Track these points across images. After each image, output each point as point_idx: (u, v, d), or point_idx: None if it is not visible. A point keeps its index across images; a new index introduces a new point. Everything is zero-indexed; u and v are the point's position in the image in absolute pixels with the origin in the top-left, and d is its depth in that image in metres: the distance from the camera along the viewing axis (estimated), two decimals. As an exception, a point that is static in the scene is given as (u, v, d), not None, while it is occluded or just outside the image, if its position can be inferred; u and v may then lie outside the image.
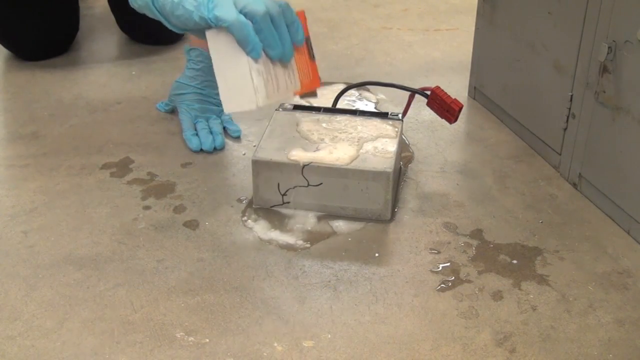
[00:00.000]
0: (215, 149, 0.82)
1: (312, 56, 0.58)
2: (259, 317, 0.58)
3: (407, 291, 0.61)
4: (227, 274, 0.63)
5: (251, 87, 0.57)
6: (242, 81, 0.57)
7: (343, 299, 0.60)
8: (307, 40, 0.58)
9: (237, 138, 0.85)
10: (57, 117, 0.90)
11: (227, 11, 0.57)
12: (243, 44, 0.58)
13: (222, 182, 0.77)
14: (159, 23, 1.07)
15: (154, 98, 0.94)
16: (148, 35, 1.08)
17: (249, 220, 0.70)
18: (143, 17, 1.11)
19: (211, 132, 0.83)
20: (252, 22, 0.57)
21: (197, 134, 0.83)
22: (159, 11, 0.61)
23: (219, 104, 0.87)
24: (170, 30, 1.12)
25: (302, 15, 0.59)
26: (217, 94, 0.87)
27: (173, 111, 0.90)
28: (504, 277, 0.63)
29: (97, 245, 0.67)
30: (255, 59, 0.57)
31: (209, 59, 0.86)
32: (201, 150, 0.82)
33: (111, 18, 1.15)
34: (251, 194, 0.73)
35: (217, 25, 0.57)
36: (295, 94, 0.60)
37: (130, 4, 0.63)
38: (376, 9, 1.28)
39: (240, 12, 0.57)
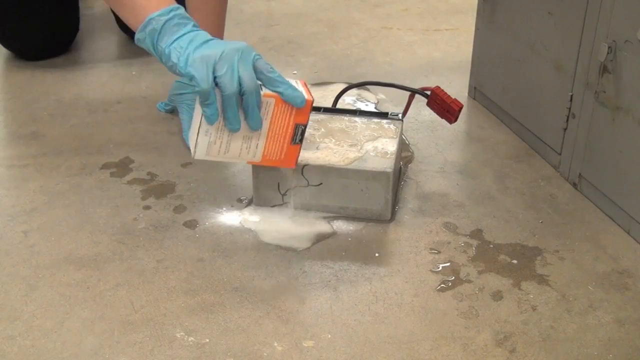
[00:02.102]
0: None
1: (296, 141, 0.60)
2: (259, 317, 0.58)
3: (407, 291, 0.61)
4: (227, 274, 0.63)
5: (194, 140, 0.60)
6: (193, 129, 0.60)
7: (343, 299, 0.60)
8: (297, 127, 0.59)
9: None
10: (57, 117, 0.90)
11: (201, 76, 0.57)
12: (203, 109, 0.59)
13: (222, 182, 0.77)
14: None
15: (154, 98, 0.94)
16: None
17: (249, 220, 0.70)
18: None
19: None
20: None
21: None
22: (160, 58, 0.62)
23: None
24: None
25: (309, 103, 0.59)
26: None
27: (173, 111, 0.90)
28: (504, 277, 0.63)
29: (97, 245, 0.66)
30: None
31: None
32: None
33: (111, 18, 1.15)
34: (251, 193, 0.73)
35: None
36: (248, 162, 0.62)
37: (136, 43, 0.63)
38: (376, 9, 1.28)
39: (214, 78, 0.57)
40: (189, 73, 0.58)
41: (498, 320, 0.58)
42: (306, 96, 0.60)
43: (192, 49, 0.59)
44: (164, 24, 0.60)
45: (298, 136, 0.59)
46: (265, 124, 0.59)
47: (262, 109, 0.59)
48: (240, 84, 0.57)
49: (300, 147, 0.61)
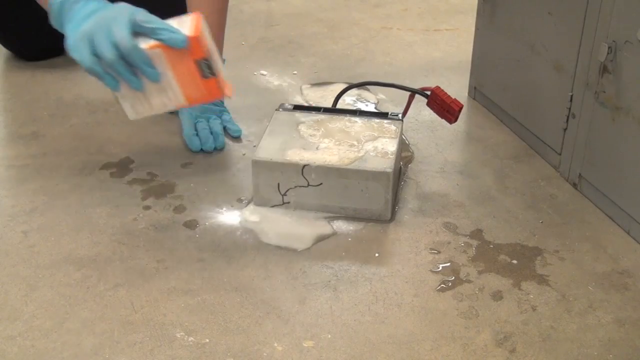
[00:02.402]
0: (215, 149, 0.82)
1: (206, 75, 0.60)
2: (259, 317, 0.58)
3: (407, 291, 0.61)
4: (227, 274, 0.63)
5: (122, 107, 0.63)
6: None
7: (343, 299, 0.60)
8: (199, 62, 0.60)
9: (238, 138, 0.85)
10: (57, 117, 0.90)
11: (82, 56, 0.59)
12: (102, 81, 0.60)
13: (222, 182, 0.77)
14: None
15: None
16: None
17: (249, 220, 0.70)
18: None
19: (212, 132, 0.83)
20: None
21: (197, 134, 0.83)
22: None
23: (219, 104, 0.87)
24: None
25: (194, 39, 0.59)
26: None
27: (173, 111, 0.90)
28: (504, 277, 0.63)
29: (97, 245, 0.66)
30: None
31: None
32: (201, 150, 0.82)
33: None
34: (251, 194, 0.73)
35: None
36: (179, 107, 0.63)
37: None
38: (376, 9, 1.28)
39: (95, 54, 0.59)
40: (74, 56, 0.59)
41: (498, 320, 0.58)
42: (188, 33, 0.59)
43: (73, 30, 0.60)
44: (61, 6, 0.62)
45: (205, 70, 0.60)
46: (169, 72, 0.60)
47: (157, 60, 0.60)
48: (118, 49, 0.58)
49: (217, 77, 0.61)
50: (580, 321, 0.58)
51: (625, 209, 0.69)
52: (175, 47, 0.59)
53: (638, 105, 0.65)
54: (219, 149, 0.82)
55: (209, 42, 0.62)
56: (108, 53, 0.58)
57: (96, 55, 0.59)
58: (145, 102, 0.61)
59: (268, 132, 0.74)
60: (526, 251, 0.67)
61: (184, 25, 0.61)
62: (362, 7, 1.30)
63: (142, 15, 0.60)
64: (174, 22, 0.61)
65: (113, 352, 0.55)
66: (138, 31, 0.60)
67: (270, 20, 1.22)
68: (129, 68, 0.59)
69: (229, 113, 0.87)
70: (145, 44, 0.59)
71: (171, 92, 0.61)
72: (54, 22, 0.64)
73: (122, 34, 0.58)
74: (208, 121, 0.84)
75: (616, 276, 0.64)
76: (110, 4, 0.62)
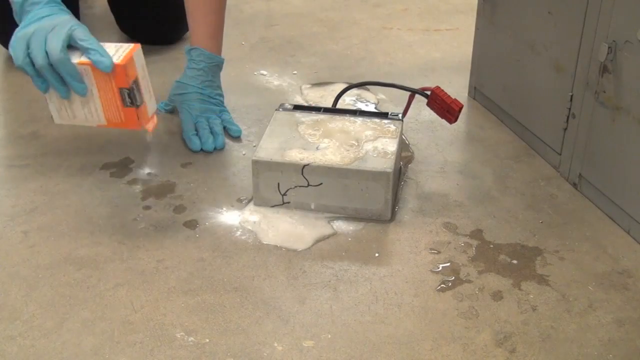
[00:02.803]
0: (215, 149, 0.82)
1: (127, 104, 0.64)
2: (259, 317, 0.58)
3: (407, 291, 0.61)
4: (227, 274, 0.63)
5: (50, 108, 0.67)
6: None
7: (343, 299, 0.60)
8: (122, 90, 0.63)
9: (238, 138, 0.85)
10: None
11: (16, 55, 0.63)
12: (33, 82, 0.65)
13: (222, 182, 0.77)
14: (158, 23, 1.06)
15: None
16: (148, 35, 1.08)
17: (249, 221, 0.70)
18: (142, 18, 1.11)
19: (212, 132, 0.83)
20: None
21: (197, 134, 0.83)
22: None
23: (219, 104, 0.87)
24: (170, 30, 1.11)
25: (120, 67, 0.63)
26: (218, 94, 0.87)
27: (173, 111, 0.90)
28: (504, 277, 0.63)
29: (97, 245, 0.66)
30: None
31: (210, 59, 0.86)
32: (201, 150, 0.82)
33: (111, 17, 1.14)
34: (251, 193, 0.73)
35: None
36: (100, 126, 0.66)
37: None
38: (376, 9, 1.28)
39: (27, 54, 0.63)
40: (11, 52, 0.64)
41: (498, 320, 0.58)
42: (115, 61, 0.62)
43: (19, 29, 0.65)
44: (21, 6, 0.66)
45: (127, 99, 0.63)
46: (95, 90, 0.64)
47: (85, 77, 0.63)
48: (48, 57, 0.62)
49: (137, 110, 0.64)
50: (580, 321, 0.58)
51: (625, 208, 0.69)
52: (100, 70, 0.63)
53: (638, 105, 0.65)
54: (218, 149, 0.82)
55: (140, 73, 0.65)
56: (39, 59, 0.62)
57: (29, 57, 0.63)
58: (70, 110, 0.65)
59: (268, 132, 0.74)
60: (526, 251, 0.67)
61: (119, 51, 0.64)
62: (362, 7, 1.30)
63: (81, 33, 0.64)
64: (112, 47, 0.64)
65: (113, 352, 0.55)
66: (74, 45, 0.64)
67: (270, 20, 1.22)
68: (57, 76, 0.63)
69: (229, 113, 0.87)
70: (77, 59, 0.63)
71: (94, 109, 0.64)
72: (16, 18, 0.68)
73: (55, 45, 0.62)
74: (208, 121, 0.84)
75: (616, 276, 0.63)
76: (60, 14, 0.66)
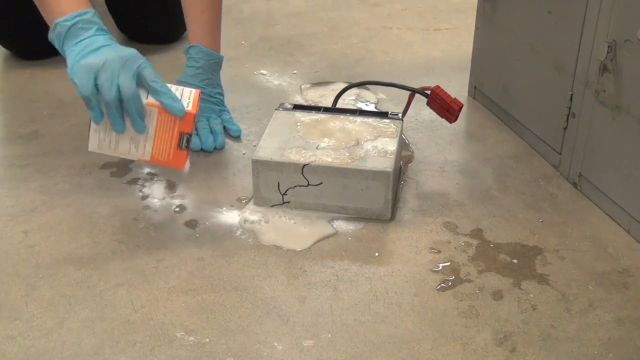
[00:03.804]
0: (215, 148, 0.82)
1: (182, 147, 0.65)
2: (259, 316, 0.58)
3: (407, 290, 0.61)
4: (227, 274, 0.63)
5: (89, 136, 0.66)
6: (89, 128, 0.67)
7: (343, 299, 0.60)
8: (182, 134, 0.64)
9: (237, 137, 0.85)
10: (57, 116, 0.89)
11: (82, 84, 0.61)
12: (88, 111, 0.63)
13: (222, 181, 0.77)
14: (156, 22, 1.05)
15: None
16: (147, 34, 1.08)
17: (249, 220, 0.70)
18: (141, 17, 1.11)
19: (212, 132, 0.83)
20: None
21: (197, 134, 0.83)
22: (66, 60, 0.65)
23: (219, 103, 0.87)
24: (169, 30, 1.11)
25: (191, 115, 0.64)
26: (218, 93, 0.86)
27: None
28: (504, 277, 0.63)
29: (97, 245, 0.66)
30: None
31: (209, 57, 0.85)
32: (201, 149, 0.82)
33: (111, 18, 1.14)
34: (251, 193, 0.73)
35: None
36: (141, 161, 0.66)
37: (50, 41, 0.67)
38: (376, 9, 1.28)
39: (95, 85, 0.61)
40: (72, 79, 0.62)
41: (498, 319, 0.58)
42: (187, 108, 0.63)
43: (81, 56, 0.63)
44: (68, 29, 0.64)
45: (183, 143, 0.64)
46: (152, 129, 0.64)
47: (147, 116, 0.63)
48: (119, 91, 0.61)
49: (187, 152, 0.65)
50: (580, 320, 0.58)
51: (625, 208, 0.69)
52: (171, 114, 0.63)
53: (638, 104, 0.65)
54: (218, 149, 0.82)
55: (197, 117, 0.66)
56: (110, 92, 0.61)
57: (97, 87, 0.61)
58: (113, 142, 0.64)
59: (268, 132, 0.74)
60: (526, 250, 0.66)
61: (182, 94, 0.64)
62: (362, 6, 1.29)
63: (149, 71, 0.63)
64: (173, 88, 0.64)
65: (113, 351, 0.55)
66: (141, 82, 0.63)
67: (270, 20, 1.22)
68: (121, 111, 0.62)
69: (229, 112, 0.87)
70: (144, 98, 0.63)
71: (142, 146, 0.64)
72: (54, 38, 0.66)
73: (128, 80, 0.61)
74: (208, 120, 0.84)
75: (616, 275, 0.63)
76: (118, 45, 0.65)
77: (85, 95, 0.62)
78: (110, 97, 0.61)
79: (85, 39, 0.64)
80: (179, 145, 0.64)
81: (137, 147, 0.64)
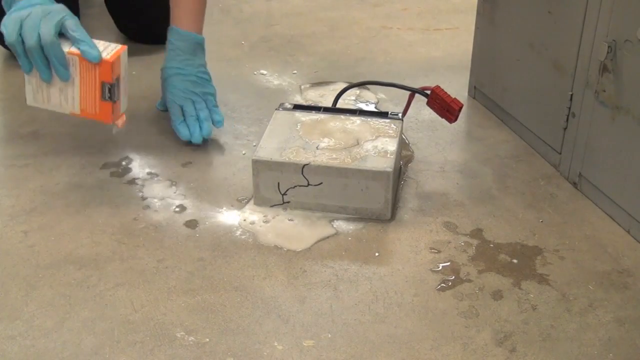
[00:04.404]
0: (204, 139, 0.81)
1: (105, 98, 0.69)
2: (259, 316, 0.58)
3: (407, 290, 0.61)
4: (227, 274, 0.63)
5: (26, 88, 0.71)
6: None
7: (343, 299, 0.60)
8: (104, 85, 0.68)
9: (220, 128, 0.83)
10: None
11: (8, 32, 0.67)
12: (18, 60, 0.69)
13: (222, 181, 0.77)
14: (155, 23, 1.05)
15: (153, 98, 0.94)
16: (146, 35, 1.08)
17: (249, 220, 0.70)
18: (140, 18, 1.10)
19: (198, 120, 0.82)
20: None
21: (184, 121, 0.81)
22: None
23: (205, 83, 0.83)
24: (166, 29, 1.10)
25: (107, 64, 0.68)
26: (201, 72, 0.83)
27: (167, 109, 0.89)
28: (504, 277, 0.63)
29: (97, 245, 0.66)
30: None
31: (186, 38, 0.83)
32: (191, 142, 0.81)
33: (110, 18, 1.14)
34: (251, 193, 0.73)
35: None
36: (72, 114, 0.71)
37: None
38: (376, 9, 1.28)
39: (19, 33, 0.67)
40: (2, 30, 0.68)
41: (498, 319, 0.58)
42: (105, 57, 0.67)
43: (12, 10, 0.68)
44: None
45: (106, 94, 0.68)
46: (77, 79, 0.68)
47: (71, 65, 0.68)
48: (40, 39, 0.66)
49: (114, 105, 0.69)
50: (580, 320, 0.58)
51: (625, 208, 0.69)
52: (88, 61, 0.67)
53: (638, 104, 0.65)
54: (207, 138, 0.81)
55: (122, 73, 0.70)
56: (30, 39, 0.66)
57: (21, 36, 0.66)
58: (46, 95, 0.69)
59: (268, 132, 0.74)
60: (526, 250, 0.66)
61: (108, 48, 0.69)
62: (362, 6, 1.29)
63: (73, 23, 0.68)
64: (101, 43, 0.69)
65: (113, 351, 0.55)
66: (65, 34, 0.68)
67: (270, 20, 1.22)
68: (44, 59, 0.67)
69: (214, 97, 0.84)
70: (67, 48, 0.68)
71: (71, 97, 0.69)
72: (3, 3, 0.71)
73: (47, 28, 0.66)
74: (194, 106, 0.82)
75: (616, 275, 0.63)
76: (54, 3, 0.69)
77: (10, 43, 0.67)
78: (30, 44, 0.66)
79: (24, 1, 0.69)
80: (103, 96, 0.68)
81: (67, 99, 0.69)
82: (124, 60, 0.69)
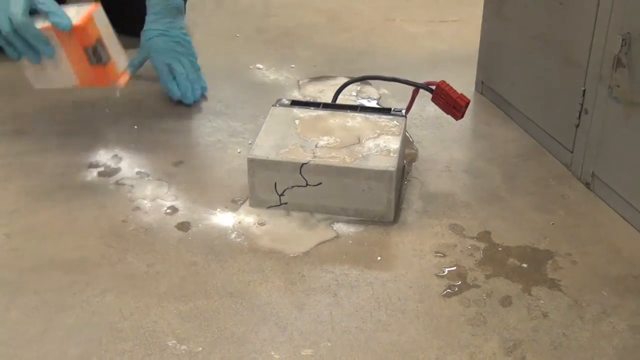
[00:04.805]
0: (195, 101, 0.86)
1: (93, 62, 0.69)
2: (255, 324, 0.57)
3: (411, 297, 0.61)
4: (222, 279, 0.62)
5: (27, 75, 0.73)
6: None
7: (344, 305, 0.59)
8: (87, 50, 0.69)
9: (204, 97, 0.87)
10: (42, 114, 0.88)
11: None
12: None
13: (216, 181, 0.76)
14: (139, 15, 1.03)
15: (144, 96, 0.92)
16: (132, 28, 1.07)
17: (245, 222, 0.69)
18: (134, 11, 1.08)
19: (188, 80, 0.86)
20: None
21: (175, 79, 0.85)
22: None
23: (188, 45, 0.87)
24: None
25: (79, 28, 0.68)
26: (184, 34, 0.88)
27: (144, 63, 0.89)
28: (513, 282, 0.62)
29: (84, 249, 0.65)
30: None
31: (166, 2, 0.87)
32: (181, 102, 0.85)
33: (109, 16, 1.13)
34: (247, 194, 0.72)
35: None
36: (77, 86, 0.72)
37: None
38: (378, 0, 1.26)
39: None
40: None
41: (507, 327, 0.58)
42: (75, 22, 0.68)
43: None
44: None
45: (92, 58, 0.69)
46: (62, 52, 0.69)
47: (52, 40, 0.69)
48: (11, 23, 0.67)
49: (105, 67, 0.70)
50: (593, 328, 0.57)
51: (640, 209, 0.67)
52: (62, 31, 0.68)
53: (655, 100, 0.63)
54: (197, 100, 0.86)
55: (103, 32, 0.70)
56: (3, 26, 0.67)
57: None
58: (45, 75, 0.70)
59: (264, 129, 0.73)
60: (536, 254, 0.66)
61: (79, 12, 0.69)
62: (364, -2, 1.27)
63: None
64: (72, 9, 0.69)
65: (100, 362, 0.54)
66: (36, 10, 0.68)
67: (267, 11, 1.21)
68: (24, 42, 0.68)
69: (195, 58, 0.88)
70: (41, 23, 0.68)
71: (66, 70, 0.69)
72: None
73: (16, 10, 0.67)
74: (182, 65, 0.86)
75: (631, 280, 0.63)
76: None
77: None
78: (6, 30, 0.67)
79: None
80: (90, 61, 0.69)
81: (64, 74, 0.69)
82: (100, 19, 0.70)
